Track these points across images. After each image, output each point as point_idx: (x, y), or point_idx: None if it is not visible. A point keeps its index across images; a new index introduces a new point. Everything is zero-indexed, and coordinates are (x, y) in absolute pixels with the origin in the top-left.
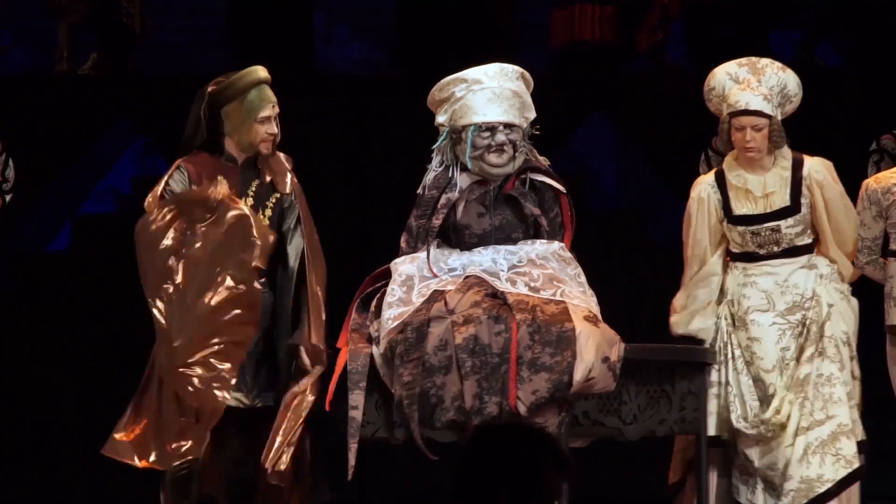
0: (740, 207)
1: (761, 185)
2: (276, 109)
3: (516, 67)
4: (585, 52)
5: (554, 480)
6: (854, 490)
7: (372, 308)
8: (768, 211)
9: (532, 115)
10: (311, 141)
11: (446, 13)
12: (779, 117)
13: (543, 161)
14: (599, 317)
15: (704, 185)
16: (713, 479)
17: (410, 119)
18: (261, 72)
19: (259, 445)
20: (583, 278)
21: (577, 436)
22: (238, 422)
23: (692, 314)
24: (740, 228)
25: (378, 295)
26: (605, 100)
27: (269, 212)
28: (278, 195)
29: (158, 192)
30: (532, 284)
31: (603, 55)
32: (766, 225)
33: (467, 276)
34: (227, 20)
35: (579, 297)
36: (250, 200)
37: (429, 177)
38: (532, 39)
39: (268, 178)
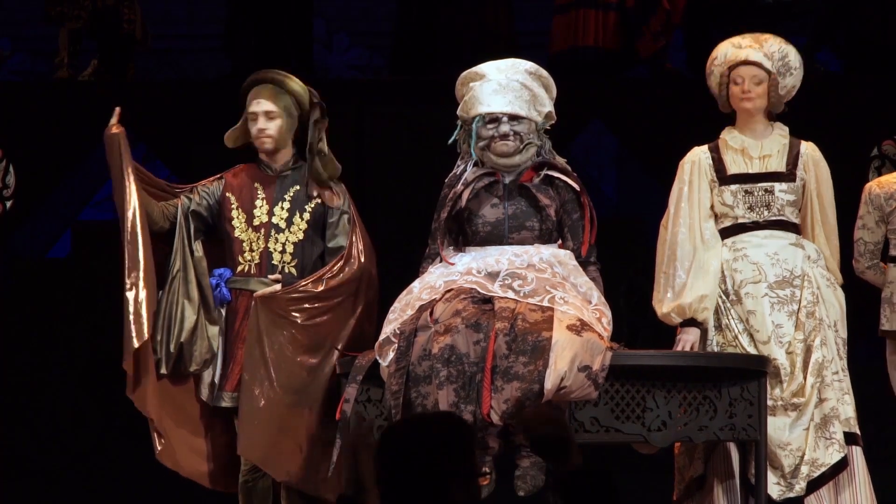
0: (735, 167)
1: (758, 147)
2: (267, 107)
3: (532, 64)
4: (587, 58)
5: (449, 463)
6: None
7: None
8: (763, 171)
9: (546, 109)
10: None
11: (446, 19)
12: (779, 83)
13: (561, 160)
14: (595, 325)
15: (696, 151)
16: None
17: (410, 125)
18: (260, 73)
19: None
20: (588, 286)
21: (584, 441)
22: (228, 421)
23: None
24: (733, 187)
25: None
26: (605, 106)
27: (306, 216)
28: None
29: None
30: (522, 290)
31: (604, 62)
32: (760, 185)
33: (458, 287)
34: (227, 27)
35: (572, 305)
36: (287, 205)
37: (448, 177)
38: (531, 45)
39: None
